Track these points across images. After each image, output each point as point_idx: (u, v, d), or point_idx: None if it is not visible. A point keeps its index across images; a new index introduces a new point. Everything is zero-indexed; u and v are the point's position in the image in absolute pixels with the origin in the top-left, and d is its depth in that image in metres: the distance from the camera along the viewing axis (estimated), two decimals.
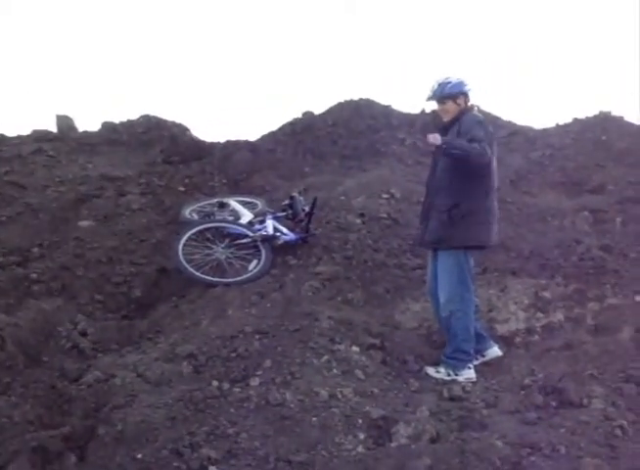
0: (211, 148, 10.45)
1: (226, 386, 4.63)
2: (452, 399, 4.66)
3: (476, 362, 5.42)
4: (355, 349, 5.24)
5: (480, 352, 5.54)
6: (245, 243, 7.02)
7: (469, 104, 5.52)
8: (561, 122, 10.93)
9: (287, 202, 7.50)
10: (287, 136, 10.62)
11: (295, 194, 7.48)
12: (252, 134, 11.91)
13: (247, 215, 7.55)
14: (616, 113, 10.54)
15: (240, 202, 7.96)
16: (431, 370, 5.27)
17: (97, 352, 5.63)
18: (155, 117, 11.57)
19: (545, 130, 10.88)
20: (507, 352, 5.51)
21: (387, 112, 11.36)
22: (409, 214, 7.82)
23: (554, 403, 4.34)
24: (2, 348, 5.19)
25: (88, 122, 23.58)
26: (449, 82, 5.45)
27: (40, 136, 11.24)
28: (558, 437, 3.76)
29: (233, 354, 5.05)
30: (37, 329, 5.70)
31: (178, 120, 11.53)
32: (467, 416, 4.30)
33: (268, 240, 7.01)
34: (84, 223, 7.98)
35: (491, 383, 4.96)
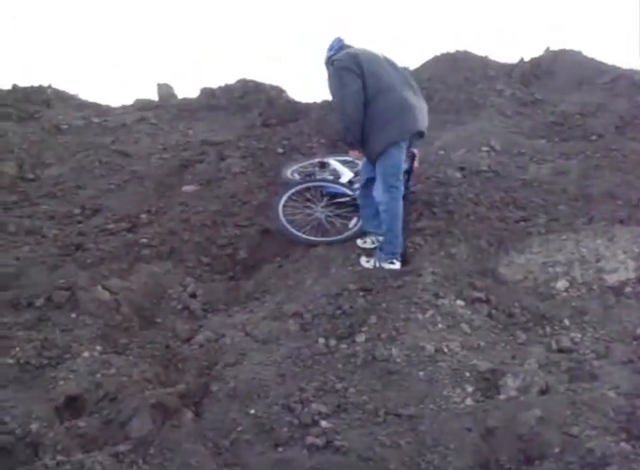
0: (308, 109, 10.46)
1: (333, 342, 4.72)
2: (561, 350, 4.58)
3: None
4: (460, 302, 5.20)
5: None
6: (345, 202, 7.05)
7: None
8: None
9: None
10: None
11: None
12: None
13: (347, 174, 7.55)
14: None
15: (340, 161, 7.95)
16: (362, 260, 6.03)
17: (206, 313, 5.80)
18: (251, 81, 11.69)
19: None
20: (616, 302, 5.33)
21: (483, 63, 11.08)
22: (510, 166, 7.66)
23: None
24: (118, 310, 5.43)
25: (187, 89, 24.06)
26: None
27: (143, 105, 11.63)
28: None
29: (338, 312, 5.12)
30: (149, 292, 5.92)
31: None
32: (577, 368, 4.23)
33: None
34: (188, 188, 8.16)
35: (601, 333, 4.80)
